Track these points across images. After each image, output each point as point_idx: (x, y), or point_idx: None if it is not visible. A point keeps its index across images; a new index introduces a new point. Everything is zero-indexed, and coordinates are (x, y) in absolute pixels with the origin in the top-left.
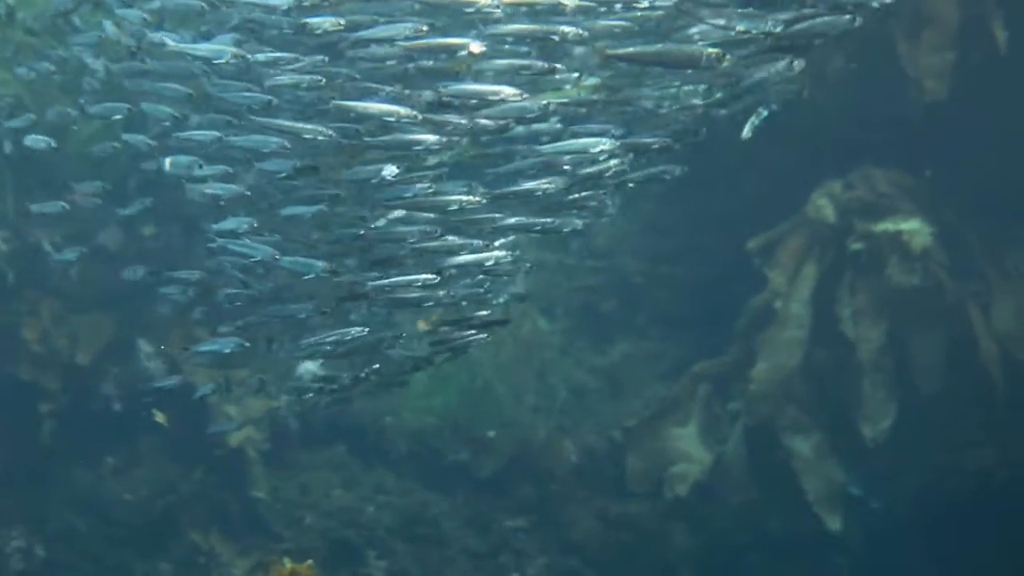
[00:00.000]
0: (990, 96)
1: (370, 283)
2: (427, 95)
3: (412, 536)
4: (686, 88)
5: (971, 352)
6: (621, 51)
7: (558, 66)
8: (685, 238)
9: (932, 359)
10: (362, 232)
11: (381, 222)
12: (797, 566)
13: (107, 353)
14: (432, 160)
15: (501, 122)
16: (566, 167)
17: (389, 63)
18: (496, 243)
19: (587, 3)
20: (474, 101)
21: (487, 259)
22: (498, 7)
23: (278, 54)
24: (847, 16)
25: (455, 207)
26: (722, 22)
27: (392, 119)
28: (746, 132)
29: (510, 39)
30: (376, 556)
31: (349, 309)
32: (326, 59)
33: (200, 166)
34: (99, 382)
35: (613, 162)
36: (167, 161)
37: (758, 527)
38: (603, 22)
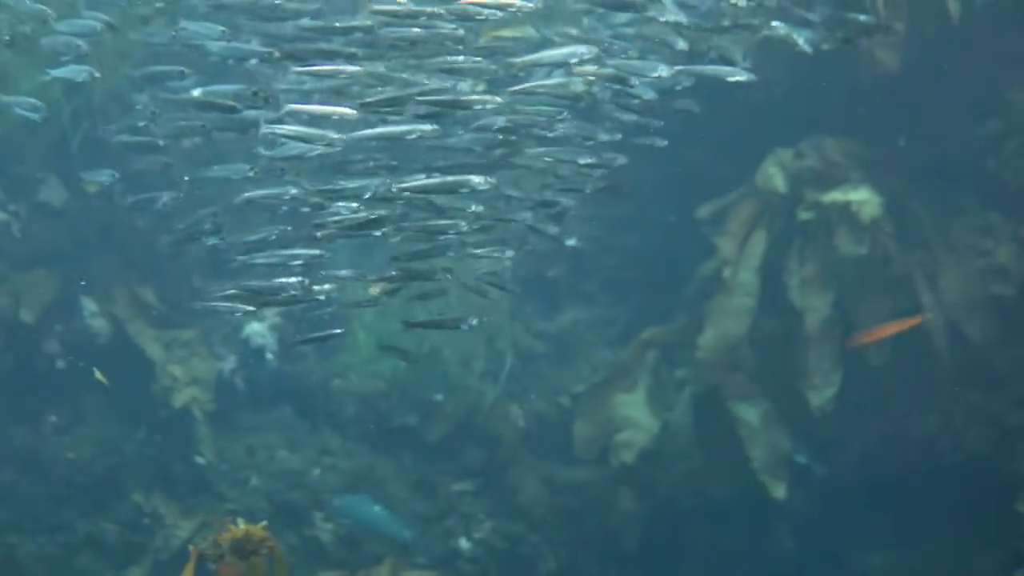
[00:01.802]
0: (941, 67)
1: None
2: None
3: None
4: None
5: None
6: None
7: None
8: (635, 205)
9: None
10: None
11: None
12: (741, 532)
13: (51, 311)
14: None
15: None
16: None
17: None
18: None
19: None
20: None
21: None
22: None
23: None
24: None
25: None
26: None
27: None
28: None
29: None
30: (322, 518)
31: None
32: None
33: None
34: (42, 340)
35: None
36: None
37: (703, 493)
38: None
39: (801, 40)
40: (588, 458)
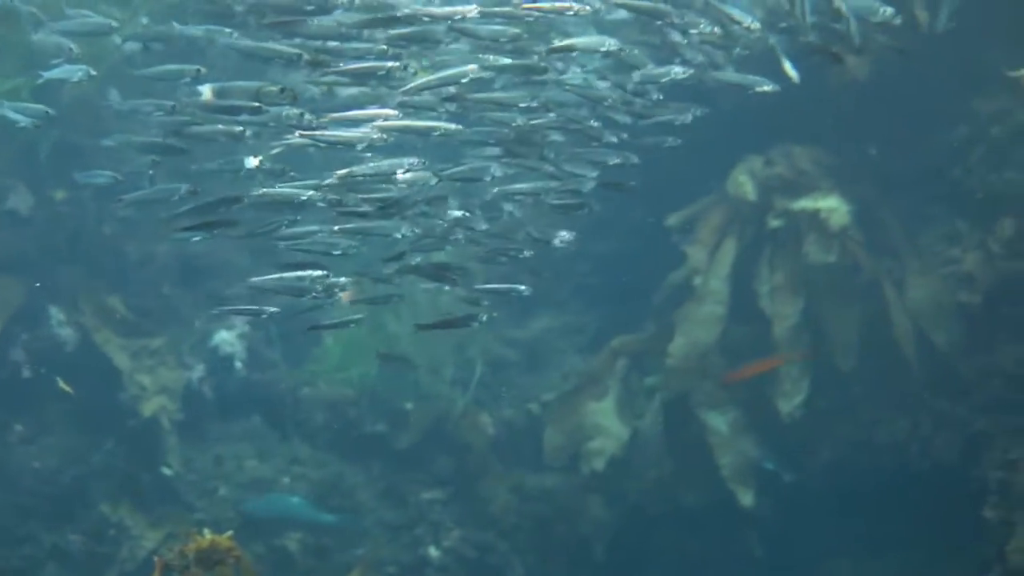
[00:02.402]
0: (910, 76)
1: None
2: None
3: (328, 507)
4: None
5: (886, 329)
6: None
7: None
8: (606, 212)
9: (848, 336)
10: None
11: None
12: (711, 539)
13: (17, 320)
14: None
15: None
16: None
17: None
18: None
19: None
20: None
21: None
22: None
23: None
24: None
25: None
26: None
27: None
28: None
29: None
30: (291, 528)
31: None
32: None
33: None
34: (8, 349)
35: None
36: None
37: (673, 501)
38: None
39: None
40: (558, 466)
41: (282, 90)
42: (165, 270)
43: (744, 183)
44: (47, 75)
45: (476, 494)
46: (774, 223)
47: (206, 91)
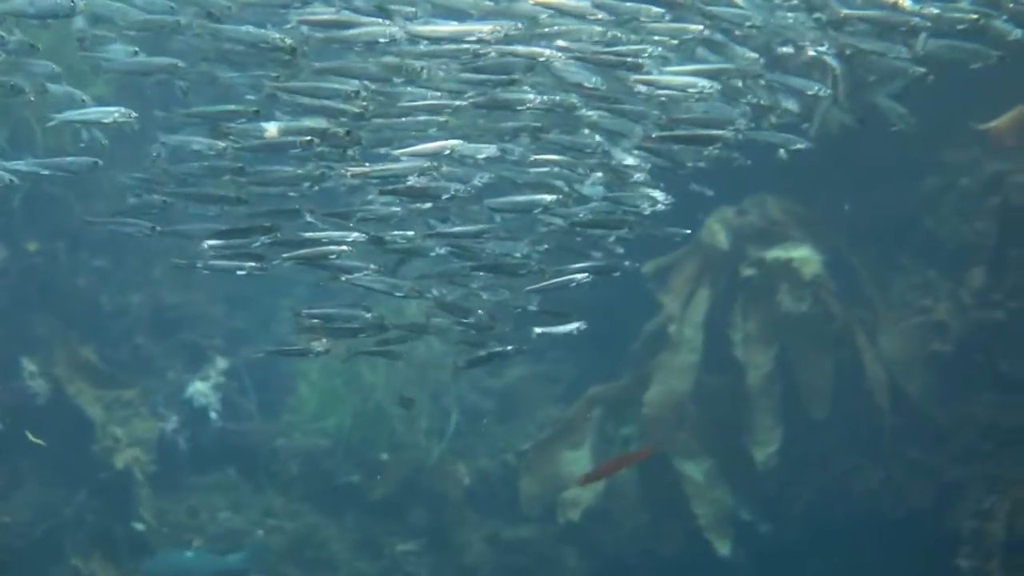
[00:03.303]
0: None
1: None
2: None
3: (301, 560)
4: None
5: (859, 378)
6: None
7: None
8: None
9: (821, 384)
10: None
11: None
12: None
13: None
14: None
15: None
16: None
17: None
18: None
19: None
20: None
21: None
22: None
23: None
24: None
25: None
26: None
27: None
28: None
29: None
30: None
31: None
32: None
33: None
34: None
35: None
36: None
37: (649, 551)
38: None
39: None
40: (534, 516)
41: (348, 132)
42: (139, 321)
43: (717, 232)
44: (68, 116)
45: (451, 545)
46: (747, 272)
47: (271, 129)
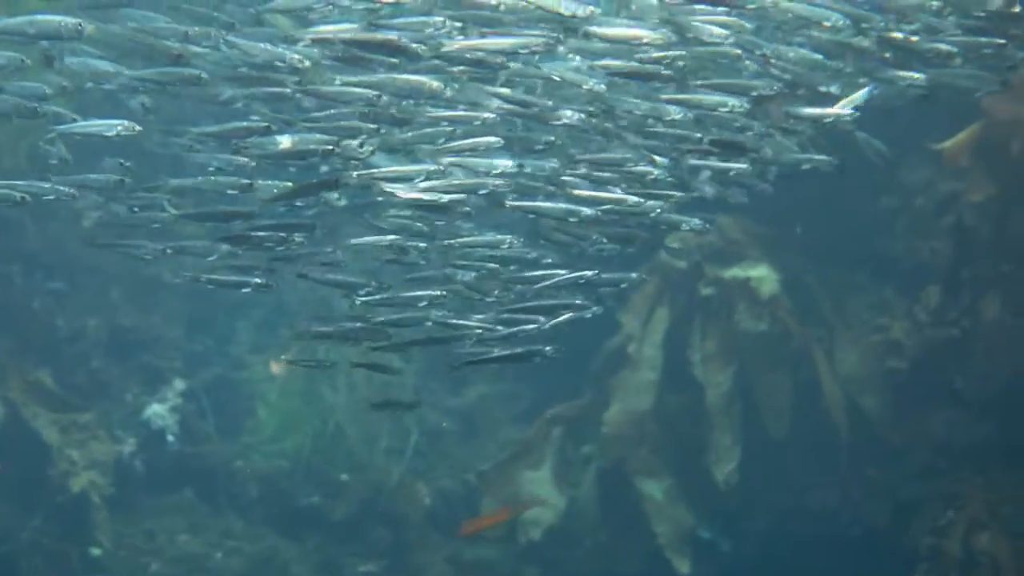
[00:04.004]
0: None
1: None
2: None
3: None
4: None
5: (816, 396)
6: None
7: None
8: None
9: (779, 403)
10: None
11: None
12: None
13: None
14: None
15: None
16: None
17: None
18: None
19: None
20: None
21: None
22: None
23: None
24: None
25: None
26: None
27: None
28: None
29: None
30: None
31: None
32: None
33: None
34: None
35: None
36: None
37: (610, 570)
38: None
39: None
40: (494, 536)
41: (361, 144)
42: (96, 344)
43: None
44: (63, 129)
45: (413, 565)
46: (705, 291)
47: (284, 141)
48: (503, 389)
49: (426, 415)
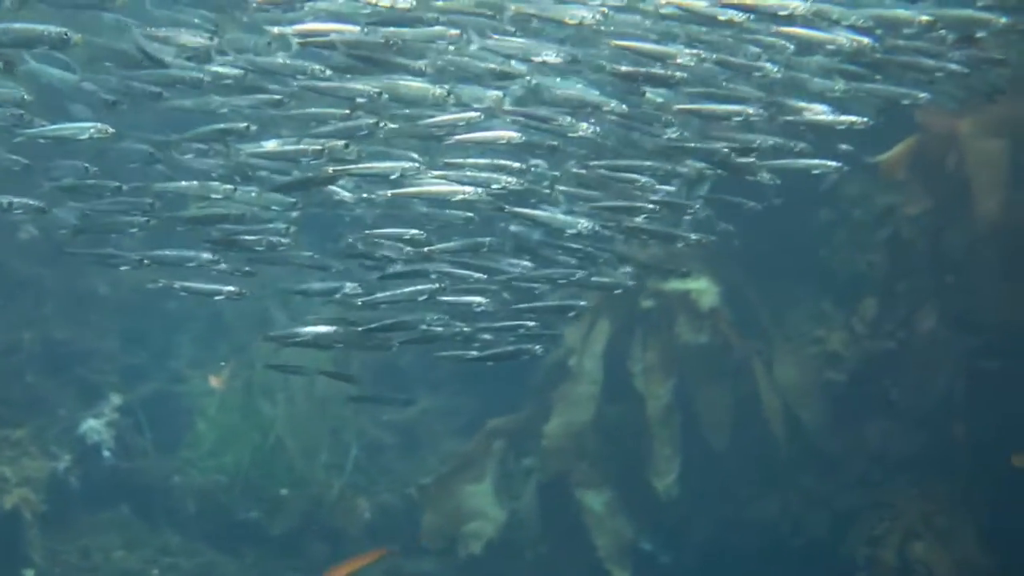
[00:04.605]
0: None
1: None
2: None
3: None
4: None
5: (756, 408)
6: None
7: None
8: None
9: (719, 415)
10: None
11: None
12: None
13: None
14: None
15: None
16: None
17: None
18: None
19: None
20: None
21: None
22: None
23: None
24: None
25: None
26: None
27: None
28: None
29: None
30: None
31: None
32: None
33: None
34: None
35: None
36: None
37: None
38: None
39: None
40: (435, 550)
41: (347, 146)
42: (30, 358)
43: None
44: (34, 132)
45: None
46: (646, 304)
47: (271, 144)
48: (444, 403)
49: (366, 429)
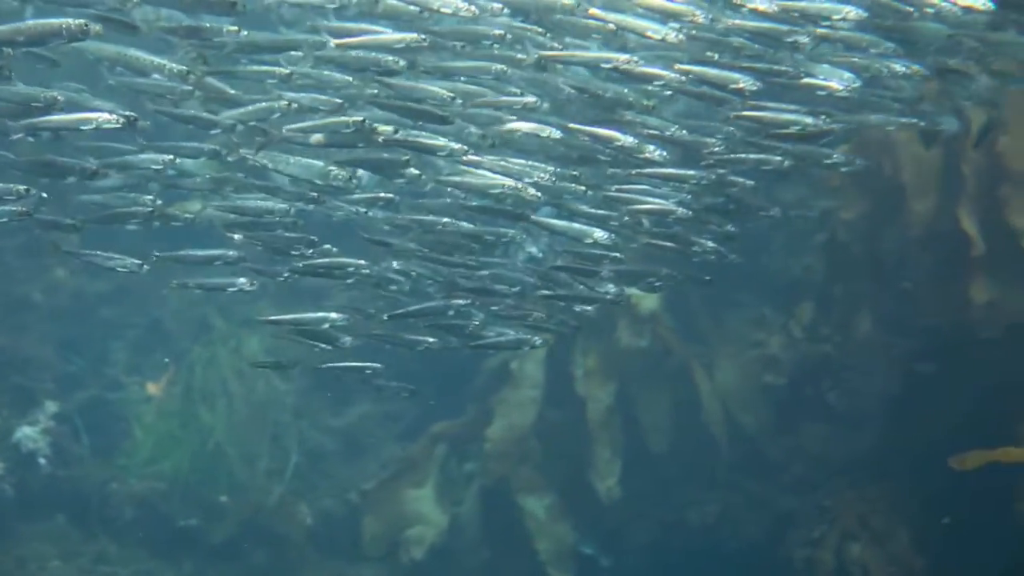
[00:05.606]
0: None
1: None
2: None
3: None
4: None
5: (696, 412)
6: None
7: None
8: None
9: (659, 419)
10: None
11: None
12: None
13: None
14: None
15: None
16: None
17: None
18: None
19: None
20: None
21: None
22: None
23: None
24: None
25: None
26: None
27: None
28: None
29: None
30: None
31: None
32: None
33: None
34: None
35: None
36: None
37: None
38: None
39: None
40: (377, 555)
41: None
42: None
43: None
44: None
45: None
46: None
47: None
48: (385, 408)
49: (307, 434)
